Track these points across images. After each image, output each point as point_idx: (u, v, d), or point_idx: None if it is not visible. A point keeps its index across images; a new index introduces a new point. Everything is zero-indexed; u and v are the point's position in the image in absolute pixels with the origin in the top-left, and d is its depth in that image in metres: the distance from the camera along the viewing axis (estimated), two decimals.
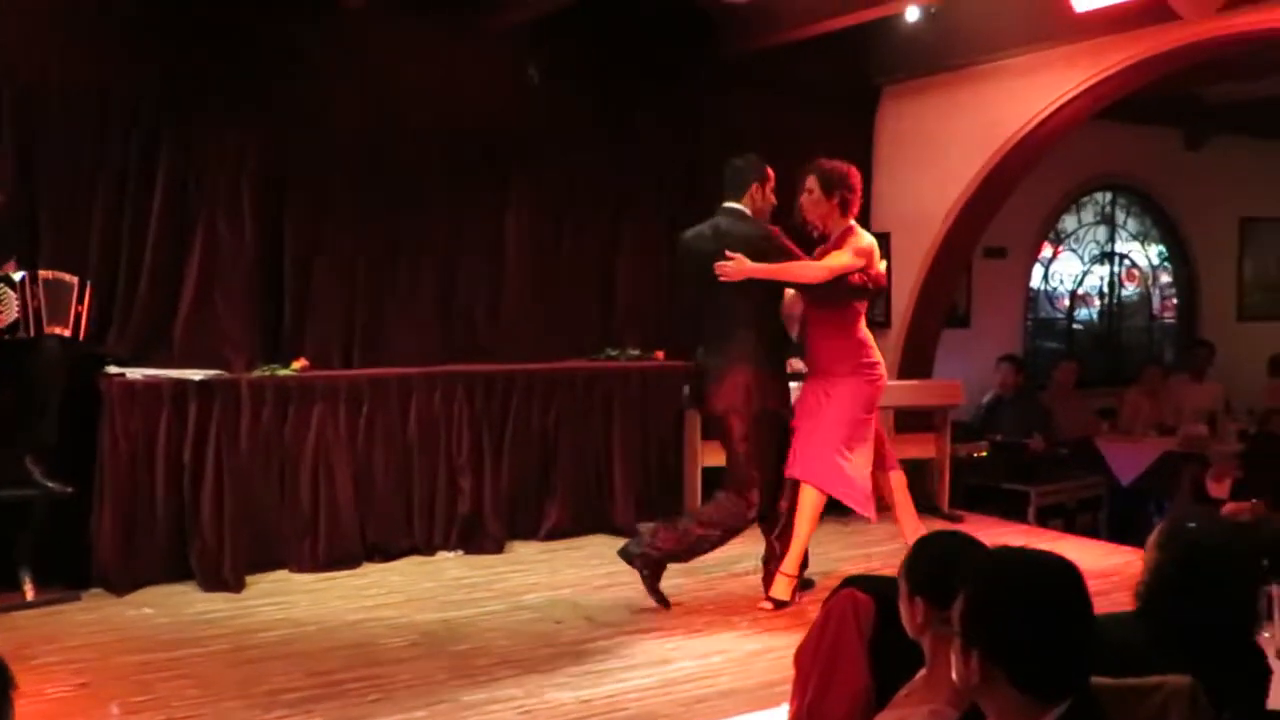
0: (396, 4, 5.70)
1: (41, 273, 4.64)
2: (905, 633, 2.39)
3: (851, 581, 2.77)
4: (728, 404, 4.69)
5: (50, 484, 4.61)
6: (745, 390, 4.66)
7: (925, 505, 6.60)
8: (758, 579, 5.22)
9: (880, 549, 5.66)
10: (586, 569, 5.39)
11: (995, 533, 5.75)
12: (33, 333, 4.58)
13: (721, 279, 4.63)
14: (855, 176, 4.89)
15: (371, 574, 5.26)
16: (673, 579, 5.16)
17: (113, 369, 5.00)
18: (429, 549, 5.54)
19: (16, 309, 4.52)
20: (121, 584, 4.82)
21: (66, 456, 4.75)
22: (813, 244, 4.92)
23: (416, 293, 5.97)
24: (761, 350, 4.71)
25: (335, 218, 5.72)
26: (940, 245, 7.07)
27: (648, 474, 6.29)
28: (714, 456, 6.17)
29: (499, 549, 5.64)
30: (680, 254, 4.93)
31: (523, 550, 5.75)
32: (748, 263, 4.62)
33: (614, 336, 6.54)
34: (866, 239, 4.85)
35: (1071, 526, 7.23)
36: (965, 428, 7.70)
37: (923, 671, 2.37)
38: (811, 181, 4.84)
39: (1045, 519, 7.12)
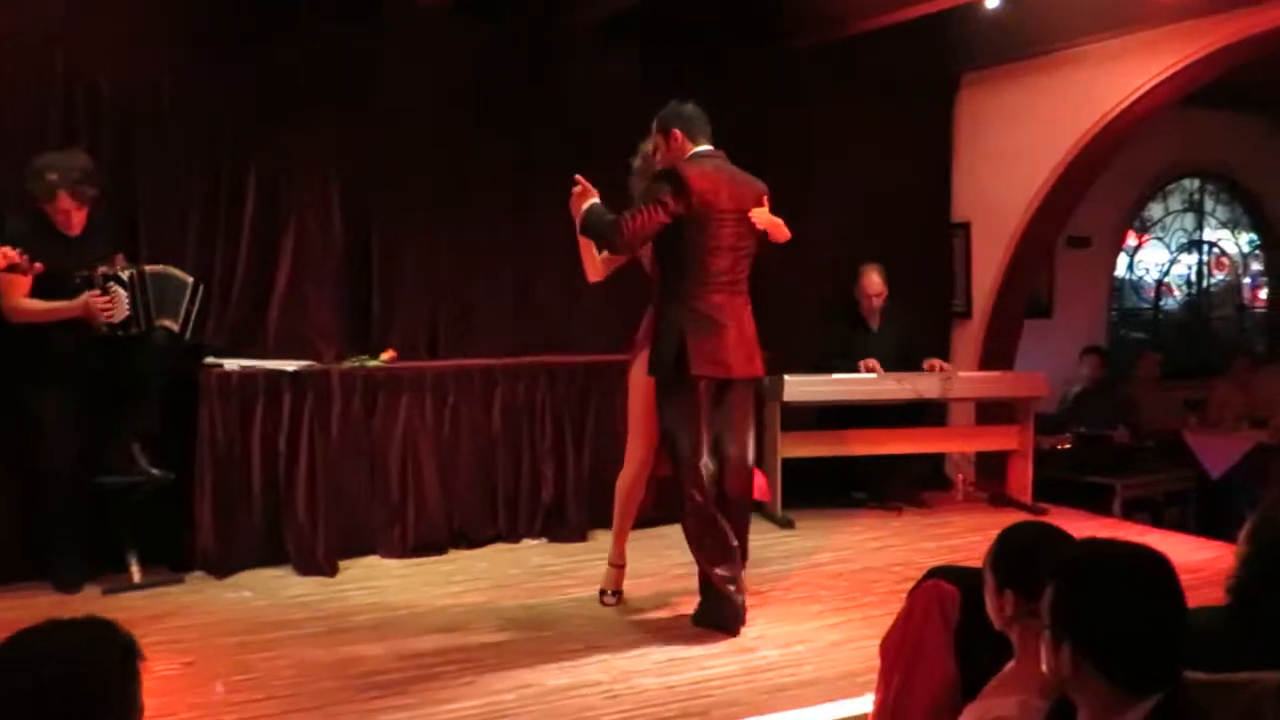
0: (472, 4, 5.79)
1: (149, 267, 4.81)
2: (991, 624, 2.42)
3: (936, 572, 2.79)
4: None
5: (154, 471, 4.79)
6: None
7: (1007, 498, 6.58)
8: (838, 569, 5.27)
9: (962, 540, 5.64)
10: (667, 558, 5.43)
11: (1080, 526, 5.63)
12: (144, 327, 4.75)
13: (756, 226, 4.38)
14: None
15: (458, 560, 5.38)
16: (753, 569, 5.21)
17: (210, 360, 5.18)
18: (513, 536, 5.65)
19: (127, 306, 4.69)
20: (221, 567, 5.00)
21: (169, 444, 4.94)
22: None
23: (499, 286, 6.08)
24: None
25: (419, 213, 5.85)
26: (1021, 235, 7.00)
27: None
28: (794, 447, 6.22)
29: (581, 537, 5.73)
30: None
31: (604, 539, 5.75)
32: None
33: None
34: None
35: (1159, 520, 7.13)
36: (1048, 420, 7.61)
37: (1011, 663, 2.39)
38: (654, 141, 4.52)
39: (1131, 513, 7.02)
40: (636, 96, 6.30)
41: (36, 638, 1.59)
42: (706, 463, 4.26)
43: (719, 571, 4.26)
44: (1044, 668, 1.92)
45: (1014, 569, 2.34)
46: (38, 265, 4.41)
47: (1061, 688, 1.94)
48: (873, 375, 6.32)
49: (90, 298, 4.60)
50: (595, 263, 4.62)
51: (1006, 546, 2.42)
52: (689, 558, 5.39)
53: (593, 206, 4.25)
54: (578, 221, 4.31)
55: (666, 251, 4.28)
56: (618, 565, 4.72)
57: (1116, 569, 1.86)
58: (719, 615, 4.29)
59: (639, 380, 4.49)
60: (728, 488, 4.33)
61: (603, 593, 4.69)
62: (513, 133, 6.03)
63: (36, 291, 4.59)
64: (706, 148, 4.40)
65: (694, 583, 4.92)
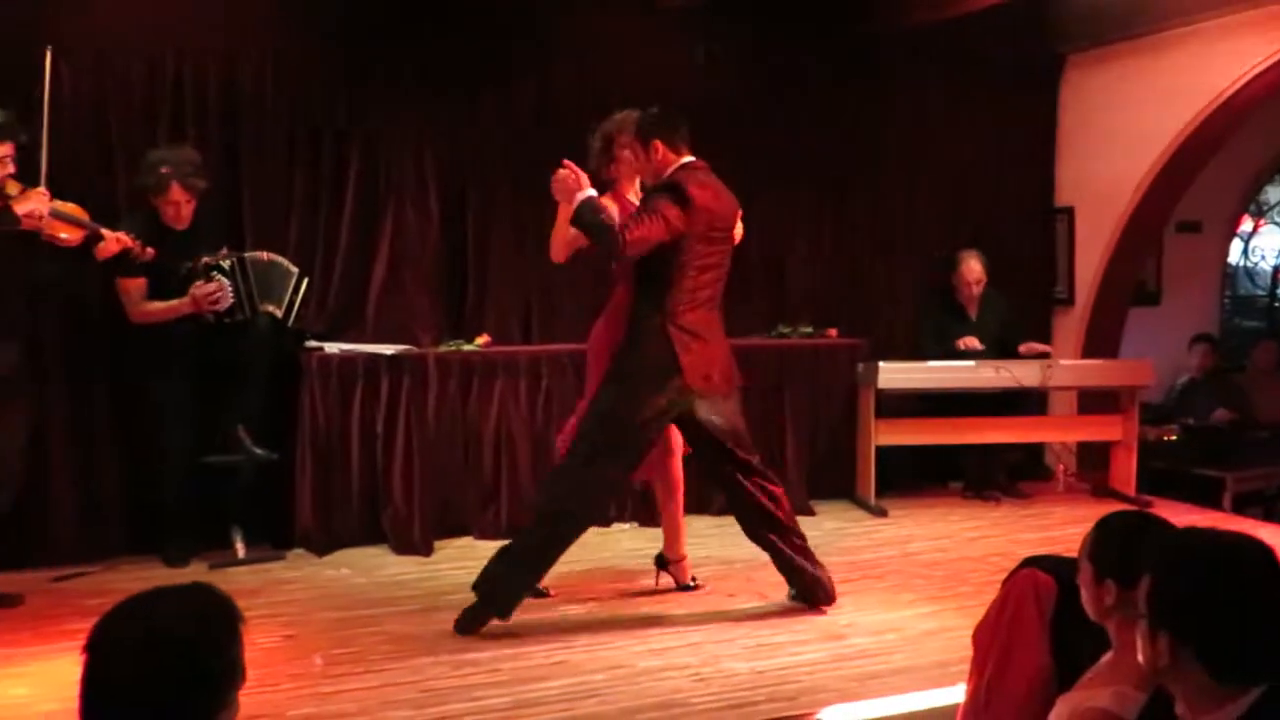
0: None
1: (250, 255, 4.95)
2: (1087, 615, 2.36)
3: (1032, 561, 2.74)
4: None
5: (258, 451, 4.94)
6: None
7: (1110, 490, 6.42)
8: (933, 558, 5.21)
9: (1062, 531, 5.51)
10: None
11: (1187, 520, 5.51)
12: (249, 313, 4.92)
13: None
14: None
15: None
16: (845, 556, 5.19)
17: (311, 344, 5.31)
18: (605, 520, 5.69)
19: (231, 294, 4.86)
20: (321, 545, 5.14)
21: (273, 426, 5.10)
22: None
23: (592, 271, 6.10)
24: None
25: (512, 200, 5.91)
26: (1128, 220, 6.79)
27: (818, 452, 6.29)
28: (888, 435, 6.15)
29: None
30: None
31: (695, 524, 5.79)
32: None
33: (786, 313, 6.55)
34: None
35: (1272, 514, 6.88)
36: (1154, 410, 7.40)
37: (1109, 654, 2.33)
38: (625, 142, 4.36)
39: (1242, 507, 6.77)
40: (729, 76, 6.32)
41: (146, 601, 1.66)
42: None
43: None
44: (1140, 658, 1.87)
45: (1114, 558, 2.28)
46: (150, 250, 4.59)
47: (1159, 679, 1.89)
48: (970, 362, 6.20)
49: (196, 289, 4.78)
50: (563, 245, 4.42)
51: (1105, 535, 2.36)
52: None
53: (589, 201, 4.04)
54: (570, 208, 4.07)
55: (657, 264, 4.06)
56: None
57: (1217, 557, 1.80)
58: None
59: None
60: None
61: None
62: (604, 117, 6.04)
63: (150, 288, 4.80)
64: (691, 158, 4.22)
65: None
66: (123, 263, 4.69)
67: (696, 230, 4.07)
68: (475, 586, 4.15)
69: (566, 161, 4.12)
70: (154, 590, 1.70)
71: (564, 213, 4.22)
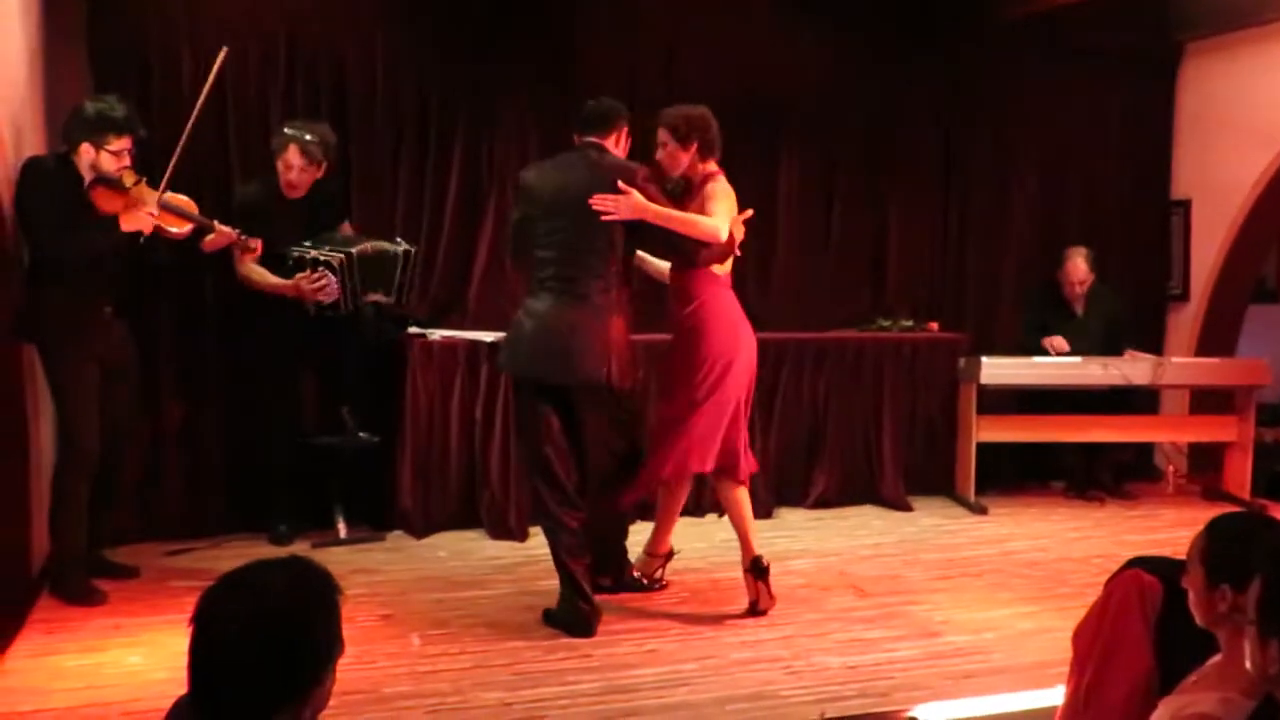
0: None
1: (357, 249, 4.95)
2: (1193, 619, 2.29)
3: (1136, 562, 2.66)
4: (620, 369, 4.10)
5: (361, 434, 5.05)
6: (631, 353, 4.20)
7: (1222, 493, 6.20)
8: (1033, 558, 5.10)
9: (1169, 534, 5.35)
10: (853, 538, 5.40)
11: None
12: (351, 308, 4.96)
13: (603, 218, 3.99)
14: (705, 117, 4.26)
15: (643, 532, 5.39)
16: (942, 554, 5.11)
17: (414, 330, 5.41)
18: (698, 510, 5.67)
19: (337, 288, 4.88)
20: (419, 527, 5.24)
21: (376, 409, 5.20)
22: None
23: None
24: (628, 307, 4.16)
25: None
26: (1248, 214, 6.56)
27: (916, 447, 6.20)
28: (990, 431, 6.03)
29: (767, 514, 5.71)
30: (533, 186, 4.14)
31: (790, 517, 5.81)
32: (639, 199, 4.00)
33: (886, 306, 6.46)
34: (726, 186, 4.25)
35: None
36: (1273, 410, 7.12)
37: (1216, 658, 2.26)
38: (663, 134, 4.27)
39: None
40: (831, 63, 6.25)
41: (249, 574, 1.72)
42: None
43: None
44: (1248, 664, 1.81)
45: (1226, 562, 2.20)
46: (256, 242, 4.69)
47: (1268, 686, 1.82)
48: (1077, 358, 6.04)
49: (301, 280, 4.86)
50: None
51: (1218, 538, 2.27)
52: (877, 539, 5.37)
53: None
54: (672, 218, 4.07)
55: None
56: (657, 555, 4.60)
57: None
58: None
59: None
60: None
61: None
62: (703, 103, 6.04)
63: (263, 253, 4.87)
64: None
65: (881, 565, 4.89)
66: (234, 253, 4.80)
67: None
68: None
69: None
70: (256, 563, 1.75)
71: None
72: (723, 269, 4.32)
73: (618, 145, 4.23)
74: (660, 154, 4.31)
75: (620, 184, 4.00)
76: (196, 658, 1.66)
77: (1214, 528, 2.28)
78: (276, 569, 1.73)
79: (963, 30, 6.44)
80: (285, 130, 4.92)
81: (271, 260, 4.88)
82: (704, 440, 4.20)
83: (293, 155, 4.88)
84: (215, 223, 4.60)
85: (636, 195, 3.99)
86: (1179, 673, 2.35)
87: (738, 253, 4.30)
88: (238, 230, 4.64)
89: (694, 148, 4.25)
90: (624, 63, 5.92)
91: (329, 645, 1.71)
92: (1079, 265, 6.25)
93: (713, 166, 4.30)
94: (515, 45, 5.69)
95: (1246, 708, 2.01)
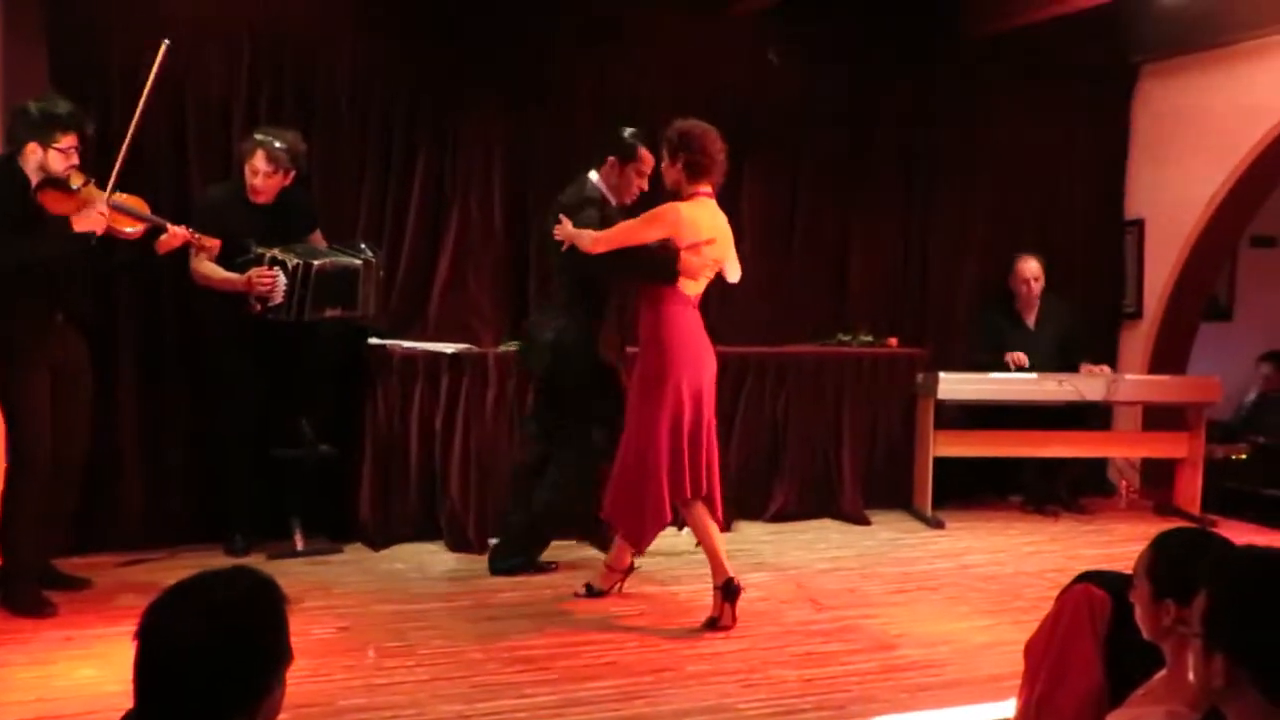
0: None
1: (317, 264, 4.88)
2: (1141, 632, 2.32)
3: (1087, 576, 2.70)
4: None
5: (320, 445, 5.02)
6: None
7: (1173, 508, 6.29)
8: (989, 572, 5.15)
9: (1122, 549, 5.41)
10: (812, 552, 5.43)
11: (1255, 541, 5.40)
12: (292, 318, 4.85)
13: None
14: (703, 137, 4.23)
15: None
16: (899, 567, 5.15)
17: (375, 340, 5.39)
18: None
19: (283, 293, 4.81)
20: (378, 539, 5.21)
21: (334, 420, 5.18)
22: None
23: None
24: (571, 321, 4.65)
25: None
26: (1201, 233, 6.67)
27: (874, 461, 6.25)
28: (947, 446, 6.09)
29: (726, 527, 5.69)
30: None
31: (749, 530, 5.83)
32: (569, 227, 4.46)
33: (846, 321, 6.51)
34: (670, 208, 4.26)
35: None
36: (1224, 427, 7.24)
37: (1162, 672, 2.30)
38: (663, 149, 4.37)
39: None
40: (798, 80, 6.30)
41: (194, 586, 1.71)
42: None
43: None
44: (1192, 677, 1.84)
45: (1171, 576, 2.24)
46: (213, 241, 4.65)
47: (1212, 700, 1.85)
48: (1022, 373, 6.12)
49: (252, 271, 4.80)
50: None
51: (1163, 552, 2.31)
52: (836, 553, 5.40)
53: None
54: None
55: None
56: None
57: (1276, 576, 1.77)
58: None
59: None
60: None
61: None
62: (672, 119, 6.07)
63: (223, 256, 4.83)
64: None
65: (838, 579, 4.92)
66: (189, 253, 4.75)
67: None
68: None
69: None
70: (201, 574, 1.74)
71: None
72: (691, 288, 4.31)
73: (611, 175, 4.59)
74: (662, 167, 4.40)
75: (562, 216, 4.49)
76: (142, 672, 1.65)
77: (1159, 543, 2.32)
78: (222, 580, 1.72)
79: (926, 49, 6.53)
80: (255, 135, 4.90)
81: (230, 262, 4.84)
82: (673, 480, 4.23)
83: (259, 160, 4.85)
84: (168, 223, 4.53)
85: (565, 224, 4.46)
86: (1128, 686, 2.39)
87: (694, 278, 4.28)
88: (191, 229, 4.59)
89: (679, 164, 4.26)
90: (591, 76, 5.94)
91: (276, 655, 1.71)
92: (1030, 263, 6.37)
93: (704, 188, 4.28)
94: (481, 57, 5.70)
95: None
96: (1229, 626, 1.76)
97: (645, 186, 4.70)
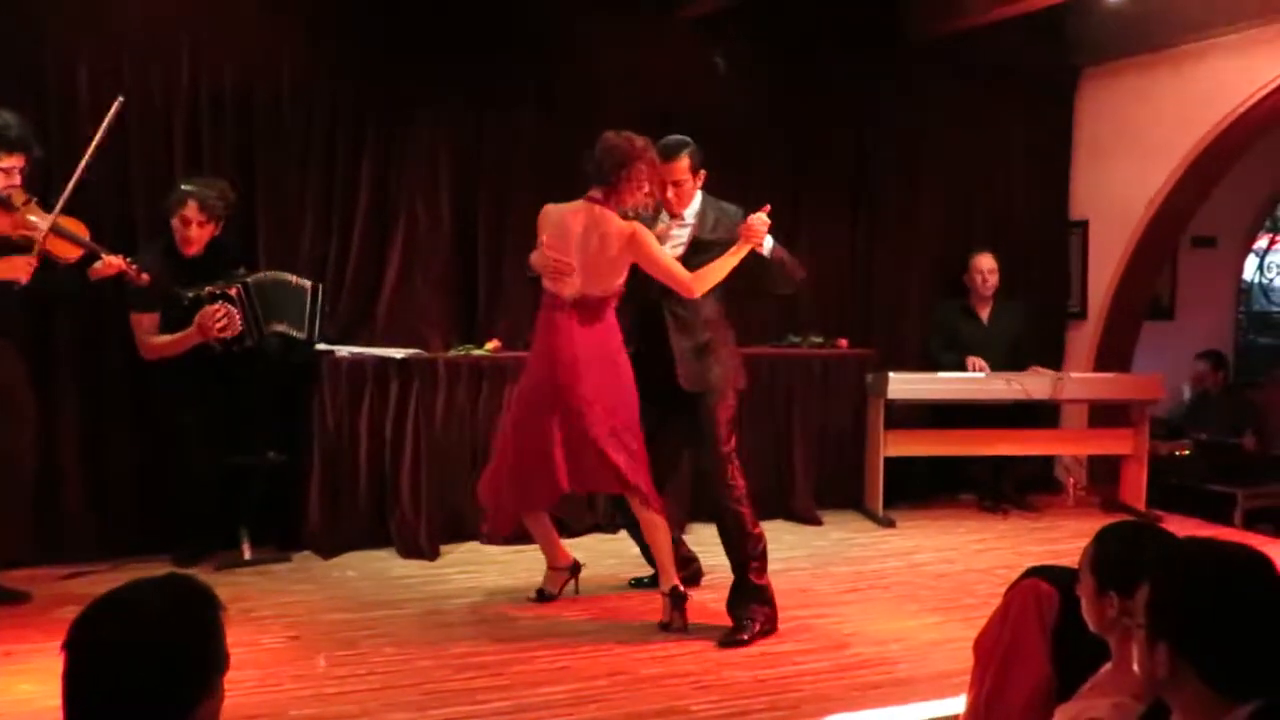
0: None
1: (253, 278, 4.88)
2: (1088, 625, 2.35)
3: (1035, 572, 2.73)
4: None
5: (270, 453, 4.95)
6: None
7: (1119, 504, 6.39)
8: (940, 570, 5.19)
9: (1070, 545, 5.46)
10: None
11: (1197, 535, 5.49)
12: (256, 340, 4.86)
13: None
14: (599, 144, 4.25)
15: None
16: (851, 566, 5.18)
17: (323, 347, 5.32)
18: (612, 527, 5.65)
19: (240, 322, 4.80)
20: (328, 547, 5.15)
21: (282, 428, 5.11)
22: None
23: None
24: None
25: (525, 205, 5.89)
26: (1142, 234, 6.79)
27: (826, 461, 6.28)
28: (897, 446, 6.13)
29: (680, 529, 5.72)
30: None
31: (702, 532, 5.75)
32: None
33: (796, 323, 6.54)
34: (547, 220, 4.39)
35: None
36: (1166, 424, 7.36)
37: (1108, 665, 2.33)
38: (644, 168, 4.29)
39: (1254, 523, 6.73)
40: (742, 86, 6.32)
41: (123, 595, 1.68)
42: None
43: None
44: (1136, 668, 1.86)
45: (1116, 569, 2.27)
46: (145, 276, 4.58)
47: (1157, 690, 1.87)
48: (980, 375, 6.19)
49: (201, 315, 4.73)
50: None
51: (1106, 546, 2.35)
52: (788, 553, 5.41)
53: (777, 246, 4.41)
54: (772, 254, 4.37)
55: (725, 282, 4.35)
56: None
57: (1217, 568, 1.79)
58: None
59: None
60: None
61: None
62: (619, 124, 6.05)
63: (161, 320, 4.79)
64: None
65: (790, 579, 4.93)
66: (126, 290, 4.66)
67: None
68: None
69: (767, 207, 4.32)
70: (130, 583, 1.71)
71: (735, 256, 4.30)
72: (553, 287, 4.30)
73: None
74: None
75: None
76: (72, 685, 1.62)
77: (1102, 537, 2.36)
78: (151, 588, 1.69)
79: (871, 52, 6.57)
80: (183, 186, 4.84)
81: (171, 321, 4.79)
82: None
83: (191, 211, 4.79)
84: (102, 251, 4.48)
85: None
86: (1076, 679, 2.42)
87: (548, 274, 4.27)
88: (127, 259, 4.53)
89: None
90: (538, 80, 5.92)
91: (210, 662, 1.67)
92: (985, 257, 6.45)
93: (592, 192, 4.29)
94: (428, 62, 5.66)
95: (1138, 712, 2.07)
96: (1171, 617, 1.79)
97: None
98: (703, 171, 4.42)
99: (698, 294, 4.27)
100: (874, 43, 6.57)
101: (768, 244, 4.33)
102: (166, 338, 4.80)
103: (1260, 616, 1.75)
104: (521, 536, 5.42)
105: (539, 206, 5.83)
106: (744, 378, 4.49)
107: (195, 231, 4.82)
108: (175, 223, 4.83)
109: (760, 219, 4.28)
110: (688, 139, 4.40)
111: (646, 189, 4.25)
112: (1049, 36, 6.86)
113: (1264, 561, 1.78)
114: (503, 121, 5.85)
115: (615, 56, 6.01)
